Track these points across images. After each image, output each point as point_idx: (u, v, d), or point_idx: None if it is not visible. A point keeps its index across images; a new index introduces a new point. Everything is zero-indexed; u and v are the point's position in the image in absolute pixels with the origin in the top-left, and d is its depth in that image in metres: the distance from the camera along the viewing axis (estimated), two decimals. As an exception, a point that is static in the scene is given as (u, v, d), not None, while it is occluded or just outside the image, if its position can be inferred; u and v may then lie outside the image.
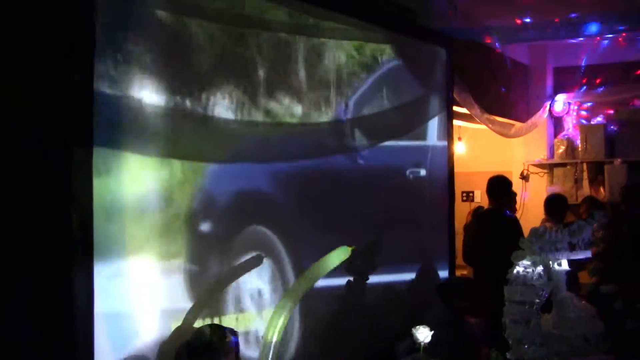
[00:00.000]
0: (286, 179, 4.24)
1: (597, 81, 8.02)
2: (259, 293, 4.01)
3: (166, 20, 3.45)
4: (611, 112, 8.03)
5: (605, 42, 7.42)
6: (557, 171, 8.03)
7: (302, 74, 4.38)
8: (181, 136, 3.50)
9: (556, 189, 7.65)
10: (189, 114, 3.54)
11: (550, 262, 3.78)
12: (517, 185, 7.38)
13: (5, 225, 2.95)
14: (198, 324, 3.49)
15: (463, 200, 8.10)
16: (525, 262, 3.79)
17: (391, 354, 4.39)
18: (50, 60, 2.95)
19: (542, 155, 8.20)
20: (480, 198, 7.92)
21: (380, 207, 5.04)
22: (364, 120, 4.93)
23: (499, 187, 6.01)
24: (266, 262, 4.03)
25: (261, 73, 4.02)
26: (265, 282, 4.05)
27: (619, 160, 7.63)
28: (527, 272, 3.76)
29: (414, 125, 5.59)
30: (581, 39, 7.31)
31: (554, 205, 6.38)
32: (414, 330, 3.76)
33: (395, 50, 5.22)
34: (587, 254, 3.77)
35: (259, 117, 4.00)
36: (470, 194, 8.20)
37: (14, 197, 2.96)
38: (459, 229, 6.73)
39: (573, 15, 6.15)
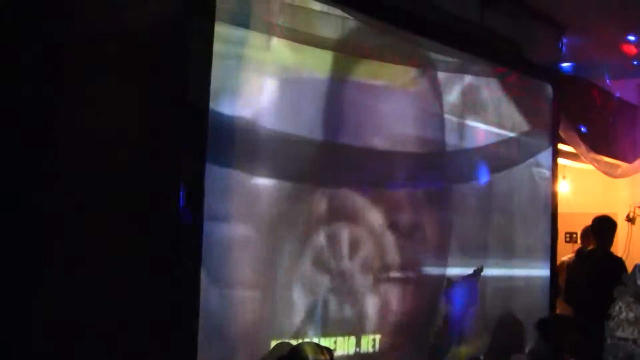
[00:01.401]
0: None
1: None
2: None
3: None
4: None
5: None
6: (663, 213, 7.81)
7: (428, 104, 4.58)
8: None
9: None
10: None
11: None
12: (622, 227, 7.23)
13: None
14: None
15: (566, 242, 7.97)
16: (628, 298, 3.75)
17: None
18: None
19: (649, 197, 8.00)
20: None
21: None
22: (476, 151, 5.01)
23: (604, 226, 6.04)
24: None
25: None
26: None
27: None
28: (630, 309, 3.72)
29: (518, 160, 5.59)
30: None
31: None
32: (512, 358, 3.76)
33: (503, 84, 5.27)
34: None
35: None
36: (574, 235, 8.06)
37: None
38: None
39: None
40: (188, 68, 3.13)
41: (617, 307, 3.75)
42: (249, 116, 3.43)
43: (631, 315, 3.71)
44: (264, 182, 3.52)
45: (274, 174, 3.58)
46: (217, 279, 3.26)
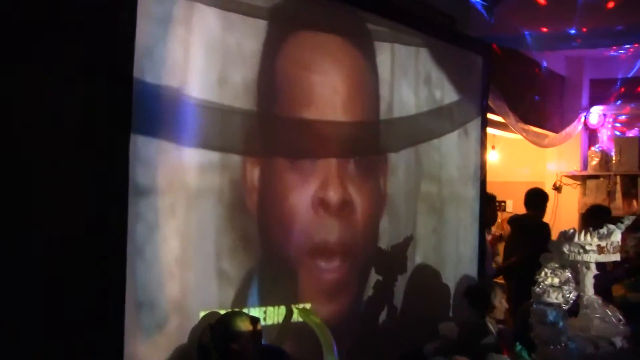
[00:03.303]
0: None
1: (633, 94, 7.99)
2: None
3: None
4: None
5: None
6: (590, 183, 8.01)
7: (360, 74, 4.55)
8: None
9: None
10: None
11: (579, 265, 3.82)
12: (549, 195, 7.40)
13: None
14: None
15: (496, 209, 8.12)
16: (554, 265, 3.83)
17: (420, 354, 4.44)
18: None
19: (575, 167, 8.18)
20: (513, 207, 7.94)
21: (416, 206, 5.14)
22: (402, 121, 5.01)
23: (537, 199, 6.30)
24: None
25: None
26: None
27: (653, 174, 7.63)
28: (556, 275, 3.80)
29: (448, 130, 5.63)
30: (620, 51, 7.36)
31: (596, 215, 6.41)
32: (441, 326, 3.81)
33: (433, 55, 5.29)
34: (616, 257, 3.80)
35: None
36: (502, 204, 8.22)
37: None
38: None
39: (618, 28, 6.15)
40: (112, 35, 3.05)
41: (542, 273, 3.83)
42: (175, 85, 3.36)
43: (556, 280, 3.79)
44: (190, 152, 3.46)
45: (201, 143, 3.51)
46: (143, 250, 3.21)
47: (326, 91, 4.31)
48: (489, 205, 6.26)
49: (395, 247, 4.88)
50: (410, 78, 5.09)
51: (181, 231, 3.40)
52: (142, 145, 3.20)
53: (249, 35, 3.79)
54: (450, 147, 5.59)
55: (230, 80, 3.68)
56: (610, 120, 8.22)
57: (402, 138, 5.04)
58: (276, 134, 4.01)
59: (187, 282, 3.44)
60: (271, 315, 3.97)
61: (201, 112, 3.51)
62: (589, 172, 8.08)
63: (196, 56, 3.49)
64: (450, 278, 5.48)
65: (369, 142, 4.73)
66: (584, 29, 6.07)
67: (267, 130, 3.94)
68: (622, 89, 8.01)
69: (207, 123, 3.55)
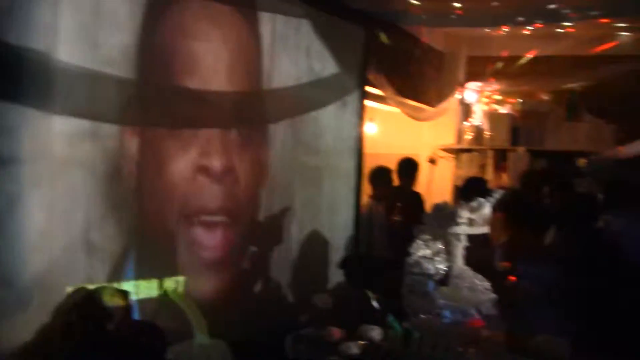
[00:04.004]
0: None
1: (508, 72, 8.25)
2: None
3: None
4: (517, 102, 8.26)
5: (518, 33, 7.66)
6: (464, 156, 8.23)
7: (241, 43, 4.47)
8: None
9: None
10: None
11: (450, 237, 3.92)
12: (424, 168, 7.56)
13: None
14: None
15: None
16: (426, 236, 3.91)
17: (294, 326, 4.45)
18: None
19: (450, 140, 8.40)
20: (389, 179, 8.06)
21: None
22: (282, 92, 4.97)
23: (407, 168, 6.36)
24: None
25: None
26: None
27: (522, 148, 7.90)
28: (428, 246, 3.88)
29: (327, 102, 5.64)
30: (498, 30, 7.58)
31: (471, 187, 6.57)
32: (315, 298, 3.83)
33: (314, 27, 5.26)
34: (485, 229, 3.92)
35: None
36: (379, 175, 8.35)
37: None
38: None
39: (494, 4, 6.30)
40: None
41: (415, 245, 3.90)
42: (41, 48, 3.19)
43: (428, 252, 3.87)
44: (59, 121, 3.30)
45: (71, 111, 3.36)
46: (3, 223, 3.04)
47: (209, 59, 4.22)
48: (383, 178, 6.32)
49: (273, 218, 4.87)
50: (290, 49, 5.05)
51: (47, 203, 3.26)
52: (3, 113, 3.02)
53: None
54: (329, 119, 5.61)
55: (104, 44, 3.53)
56: (485, 96, 8.44)
57: (282, 109, 5.02)
58: (157, 103, 3.89)
59: (53, 256, 3.30)
60: (145, 290, 3.88)
61: (71, 78, 3.35)
62: (463, 145, 8.31)
63: (66, 17, 3.31)
64: (326, 249, 5.52)
65: (250, 112, 4.68)
66: (461, 10, 6.22)
67: (147, 98, 3.81)
68: (498, 67, 8.25)
69: (77, 90, 3.39)
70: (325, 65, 5.52)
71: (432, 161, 8.00)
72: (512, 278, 4.53)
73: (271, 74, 4.83)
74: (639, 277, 5.39)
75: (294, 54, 5.10)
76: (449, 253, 3.86)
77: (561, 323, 4.22)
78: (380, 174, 6.40)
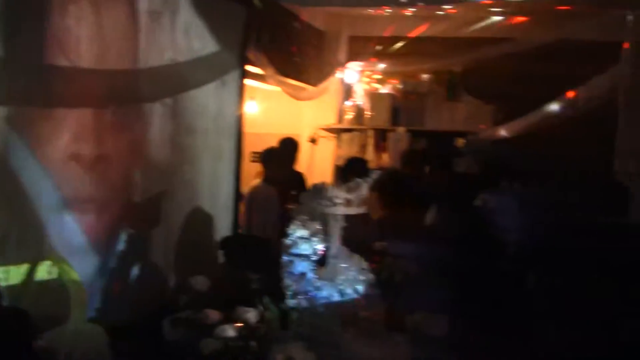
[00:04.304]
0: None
1: (388, 52, 8.37)
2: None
3: None
4: (398, 82, 8.39)
5: (399, 14, 7.78)
6: (345, 136, 8.30)
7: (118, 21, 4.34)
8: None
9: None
10: None
11: (327, 218, 3.93)
12: (305, 148, 7.60)
13: None
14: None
15: (252, 161, 8.22)
16: (304, 217, 3.92)
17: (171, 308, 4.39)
18: None
19: (331, 120, 8.45)
20: (271, 159, 8.04)
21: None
22: (160, 71, 4.84)
23: (287, 148, 6.39)
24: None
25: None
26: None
27: (402, 128, 8.05)
28: (305, 227, 3.89)
29: (205, 81, 5.56)
30: (379, 10, 7.66)
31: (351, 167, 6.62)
32: (192, 280, 3.78)
33: (194, 4, 5.16)
34: (361, 210, 3.96)
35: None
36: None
37: None
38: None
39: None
40: None
41: (293, 226, 3.89)
42: None
43: (306, 232, 3.87)
44: None
45: None
46: None
47: (81, 36, 4.04)
48: (273, 158, 6.29)
49: (150, 200, 4.76)
50: (168, 28, 4.93)
51: None
52: None
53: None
54: (208, 98, 5.52)
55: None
56: (366, 76, 8.53)
57: (159, 89, 4.90)
58: (24, 81, 3.70)
59: None
60: (14, 275, 3.72)
61: None
62: (344, 125, 8.38)
63: None
64: (207, 230, 5.46)
65: (125, 92, 4.54)
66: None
67: (12, 77, 3.61)
68: (379, 47, 8.35)
69: None
70: (205, 44, 5.42)
71: (313, 141, 8.05)
72: (390, 257, 4.63)
73: (148, 52, 4.69)
74: (511, 253, 5.64)
75: (172, 33, 4.97)
76: (326, 233, 3.87)
77: (439, 300, 4.35)
78: (270, 155, 6.40)
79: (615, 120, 7.49)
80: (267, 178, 6.32)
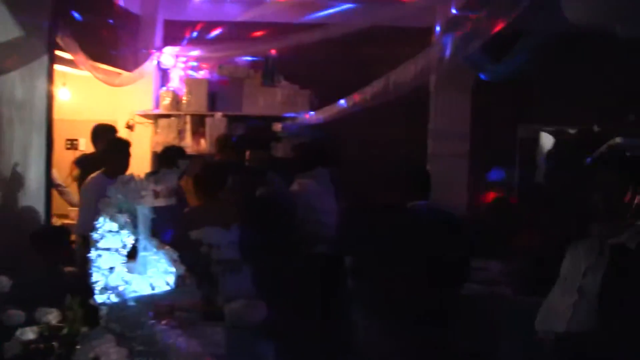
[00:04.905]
0: None
1: (205, 37, 8.33)
2: None
3: None
4: (215, 67, 8.36)
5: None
6: (162, 122, 8.16)
7: None
8: None
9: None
10: None
11: (135, 210, 3.88)
12: (122, 134, 7.43)
13: None
14: None
15: (67, 149, 7.98)
16: (111, 210, 3.84)
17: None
18: None
19: (148, 106, 8.30)
20: (86, 146, 7.83)
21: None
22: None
23: (102, 135, 6.27)
24: None
25: None
26: None
27: (219, 113, 8.04)
28: (113, 219, 3.81)
29: (12, 67, 5.31)
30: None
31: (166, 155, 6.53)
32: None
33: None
34: (170, 201, 3.93)
35: None
36: (75, 142, 8.11)
37: None
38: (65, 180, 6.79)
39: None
40: None
41: (101, 219, 3.80)
42: None
43: (114, 225, 3.80)
44: None
45: None
46: None
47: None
48: (120, 150, 6.07)
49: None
50: None
51: None
52: None
53: None
54: (15, 85, 5.28)
55: None
56: (182, 61, 8.43)
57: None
58: None
59: None
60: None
61: None
62: (161, 111, 8.24)
63: None
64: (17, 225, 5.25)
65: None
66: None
67: None
68: (196, 32, 8.29)
69: None
70: (8, 28, 5.17)
71: (130, 127, 7.89)
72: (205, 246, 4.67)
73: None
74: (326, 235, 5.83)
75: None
76: (135, 226, 3.81)
77: (254, 286, 4.44)
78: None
79: (427, 104, 7.92)
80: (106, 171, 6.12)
